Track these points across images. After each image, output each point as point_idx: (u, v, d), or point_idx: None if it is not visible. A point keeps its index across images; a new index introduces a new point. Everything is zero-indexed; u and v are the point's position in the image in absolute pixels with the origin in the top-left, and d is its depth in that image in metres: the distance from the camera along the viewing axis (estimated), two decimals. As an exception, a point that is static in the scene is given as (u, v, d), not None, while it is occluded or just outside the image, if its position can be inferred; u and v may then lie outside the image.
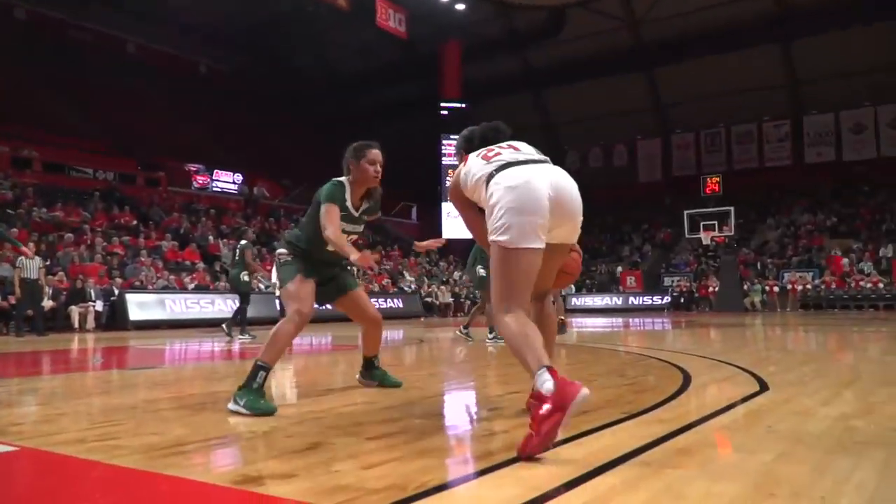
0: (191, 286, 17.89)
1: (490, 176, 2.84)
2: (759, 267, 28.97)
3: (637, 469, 2.30)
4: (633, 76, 34.53)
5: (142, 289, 16.93)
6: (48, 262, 15.53)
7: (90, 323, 15.44)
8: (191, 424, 3.21)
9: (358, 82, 36.08)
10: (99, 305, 15.82)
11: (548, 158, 2.96)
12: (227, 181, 31.09)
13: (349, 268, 4.10)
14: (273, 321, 16.99)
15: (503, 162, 2.87)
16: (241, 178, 31.01)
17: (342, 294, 4.11)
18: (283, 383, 5.03)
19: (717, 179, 27.92)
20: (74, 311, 15.26)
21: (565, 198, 2.79)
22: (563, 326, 10.89)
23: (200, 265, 19.44)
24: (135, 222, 21.01)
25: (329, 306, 4.45)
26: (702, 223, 26.28)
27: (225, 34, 32.56)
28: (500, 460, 2.41)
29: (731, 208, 26.04)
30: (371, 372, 4.48)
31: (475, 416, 3.45)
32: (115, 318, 15.94)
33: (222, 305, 17.26)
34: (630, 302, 28.96)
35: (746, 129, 34.88)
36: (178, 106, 31.38)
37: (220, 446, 2.79)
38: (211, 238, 22.03)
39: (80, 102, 28.21)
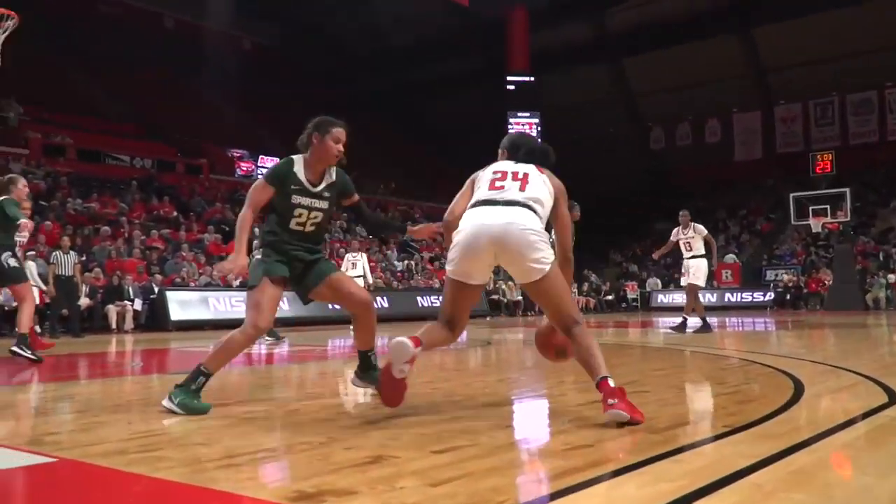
0: (235, 283, 18.31)
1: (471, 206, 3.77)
2: (881, 258, 27.87)
3: (746, 492, 2.22)
4: (727, 38, 33.62)
5: (183, 286, 17.41)
6: (84, 258, 16.12)
7: (129, 323, 15.97)
8: (239, 435, 3.26)
9: (412, 56, 36.19)
10: (137, 304, 16.34)
11: (515, 199, 3.61)
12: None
13: (322, 256, 4.22)
14: (324, 321, 17.27)
15: (475, 200, 3.74)
16: (287, 163, 31.58)
17: (320, 281, 4.08)
18: (338, 389, 5.08)
19: (830, 157, 26.91)
20: (112, 310, 15.81)
21: (506, 246, 3.51)
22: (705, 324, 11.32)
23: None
24: (175, 214, 21.62)
25: (333, 305, 4.41)
26: (811, 208, 25.38)
27: (268, 6, 33.16)
28: (582, 479, 2.36)
29: (847, 190, 25.06)
30: (368, 372, 4.25)
31: (552, 429, 3.40)
32: (154, 317, 16.44)
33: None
34: (726, 299, 28.29)
35: (864, 98, 33.54)
36: (219, 86, 32.09)
37: (272, 459, 2.82)
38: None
39: (114, 84, 29.18)
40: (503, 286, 24.83)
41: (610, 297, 29.34)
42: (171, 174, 24.95)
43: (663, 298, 29.32)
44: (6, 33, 7.18)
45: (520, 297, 24.93)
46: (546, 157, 3.88)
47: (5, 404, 4.66)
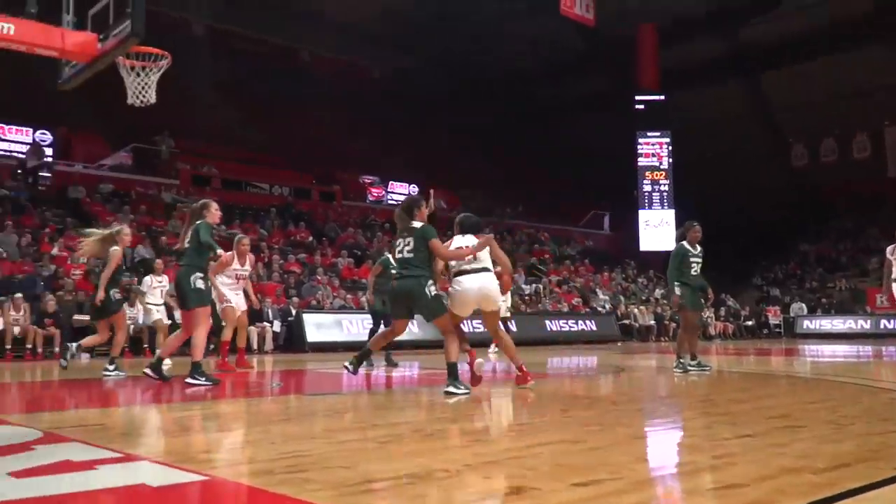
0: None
1: (458, 272, 6.53)
2: None
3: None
4: (875, 48, 31.67)
5: (318, 308, 18.00)
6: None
7: (268, 344, 16.65)
8: (379, 459, 3.30)
9: (538, 79, 36.12)
10: (276, 326, 17.03)
11: (478, 267, 6.54)
12: (402, 193, 32.42)
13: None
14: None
15: (459, 268, 6.53)
16: (416, 188, 32.19)
17: None
18: (471, 414, 5.08)
19: None
20: (252, 331, 16.55)
21: (483, 298, 6.53)
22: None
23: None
24: (310, 239, 22.45)
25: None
26: (976, 227, 23.40)
27: (397, 36, 34.08)
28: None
29: None
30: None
31: (698, 464, 3.25)
32: (291, 339, 17.07)
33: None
34: (881, 326, 26.40)
35: None
36: (351, 115, 33.22)
37: (413, 484, 2.83)
38: (388, 254, 22.99)
39: (256, 116, 30.75)
40: (634, 310, 24.22)
41: (749, 323, 28.00)
42: (306, 201, 25.98)
43: (810, 324, 27.72)
44: (160, 72, 7.68)
45: (652, 322, 24.23)
46: (479, 227, 6.87)
47: (161, 422, 4.95)
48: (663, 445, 3.87)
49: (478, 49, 34.73)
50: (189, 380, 7.24)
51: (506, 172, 36.37)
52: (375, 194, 31.34)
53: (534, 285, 24.70)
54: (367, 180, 31.27)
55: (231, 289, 9.95)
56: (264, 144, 29.75)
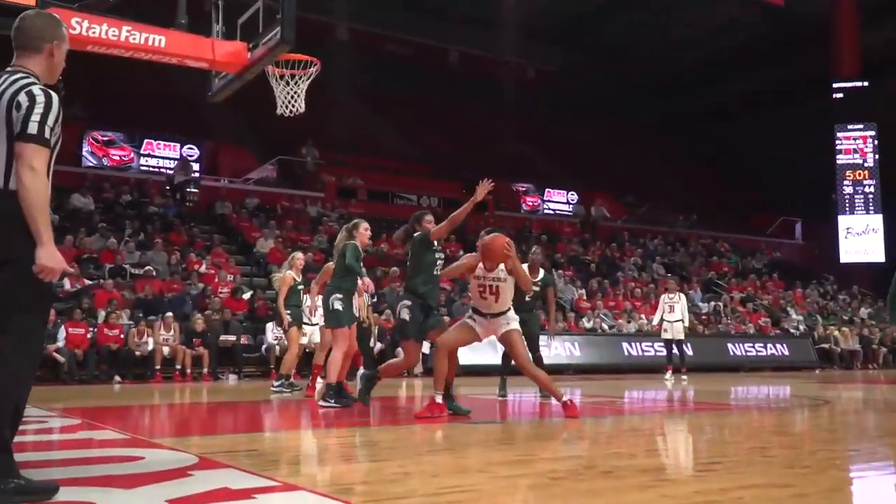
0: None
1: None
2: None
3: None
4: None
5: (470, 328, 18.13)
6: (374, 299, 17.42)
7: (418, 367, 16.90)
8: (553, 497, 3.24)
9: (712, 72, 34.87)
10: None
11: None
12: (560, 201, 32.25)
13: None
14: (613, 368, 17.08)
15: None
16: (575, 196, 31.94)
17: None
18: (654, 448, 4.90)
19: None
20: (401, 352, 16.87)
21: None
22: None
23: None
24: (461, 252, 22.71)
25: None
26: None
27: (552, 31, 34.02)
28: None
29: None
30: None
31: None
32: (442, 361, 17.25)
33: (557, 348, 17.75)
34: None
35: None
36: (503, 118, 33.45)
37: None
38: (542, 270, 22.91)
39: (402, 123, 31.57)
40: (835, 332, 22.79)
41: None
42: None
43: None
44: (309, 80, 7.99)
45: (857, 347, 22.71)
46: None
47: (313, 448, 5.11)
48: (891, 496, 3.56)
49: (643, 41, 34.07)
50: (322, 402, 7.61)
51: (677, 176, 35.40)
52: (531, 203, 31.33)
53: (712, 303, 23.80)
54: (521, 188, 31.32)
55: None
56: (411, 153, 30.46)
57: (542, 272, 9.34)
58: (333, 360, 7.72)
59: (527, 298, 8.53)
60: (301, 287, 10.33)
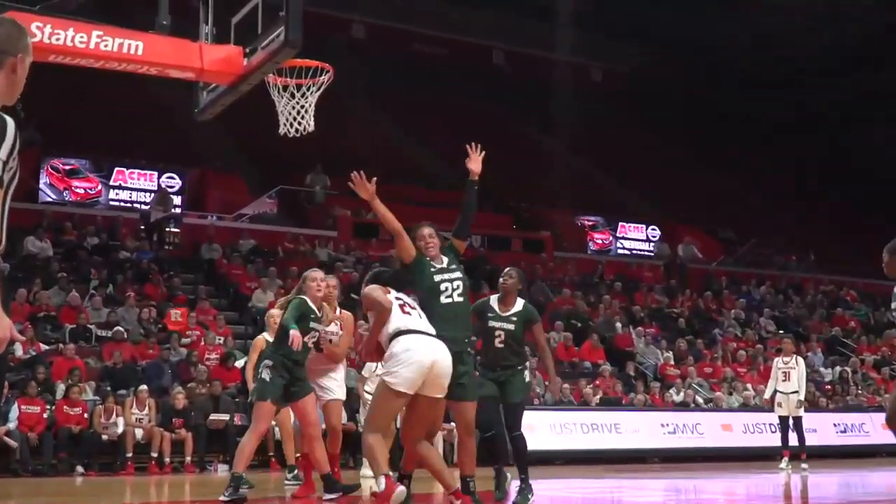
0: (595, 399, 18.58)
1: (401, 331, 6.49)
2: None
3: None
4: None
5: (527, 405, 17.99)
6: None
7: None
8: None
9: (828, 69, 34.72)
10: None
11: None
12: (637, 238, 32.16)
13: None
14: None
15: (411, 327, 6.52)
16: (657, 232, 31.81)
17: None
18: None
19: None
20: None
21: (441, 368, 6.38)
22: None
23: (606, 367, 20.13)
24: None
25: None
26: None
27: (620, 21, 34.12)
28: None
29: None
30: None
31: None
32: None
33: (644, 431, 17.54)
34: None
35: None
36: (562, 132, 33.55)
37: None
38: (619, 325, 22.79)
39: (433, 141, 31.76)
40: None
41: None
42: (505, 252, 26.30)
43: None
44: (320, 91, 8.10)
45: None
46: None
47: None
48: None
49: (740, 32, 34.11)
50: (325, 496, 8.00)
51: (788, 205, 35.13)
52: (600, 241, 31.29)
53: (838, 368, 23.45)
54: (587, 222, 31.29)
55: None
56: (447, 179, 30.61)
57: (519, 303, 8.32)
58: (241, 445, 8.03)
59: (496, 344, 8.00)
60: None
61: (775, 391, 14.67)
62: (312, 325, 8.06)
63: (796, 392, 14.38)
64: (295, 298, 8.15)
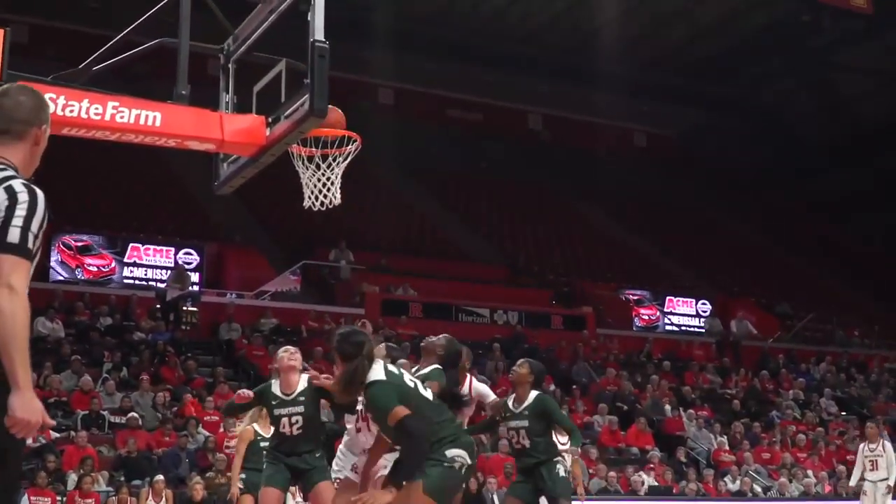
0: (642, 489, 18.38)
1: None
2: None
3: None
4: None
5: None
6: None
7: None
8: None
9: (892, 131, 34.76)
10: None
11: None
12: (687, 314, 31.96)
13: None
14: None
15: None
16: (708, 307, 31.64)
17: None
18: None
19: None
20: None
21: None
22: None
23: (654, 452, 19.94)
24: (552, 387, 22.57)
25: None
26: None
27: (665, 82, 34.39)
28: None
29: None
30: None
31: None
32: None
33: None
34: None
35: None
36: (603, 200, 33.69)
37: None
38: (668, 408, 22.61)
39: (468, 213, 32.00)
40: None
41: None
42: (544, 330, 26.27)
43: None
44: (347, 161, 8.20)
45: None
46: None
47: None
48: None
49: (796, 92, 34.28)
50: None
51: (850, 277, 34.89)
52: (646, 317, 31.09)
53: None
54: (632, 297, 31.20)
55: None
56: (481, 252, 30.73)
57: (532, 395, 8.19)
58: None
59: (514, 444, 8.01)
60: (265, 444, 10.15)
61: (861, 478, 14.53)
62: (277, 411, 8.11)
63: (885, 480, 14.22)
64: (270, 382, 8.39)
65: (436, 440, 5.56)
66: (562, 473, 8.14)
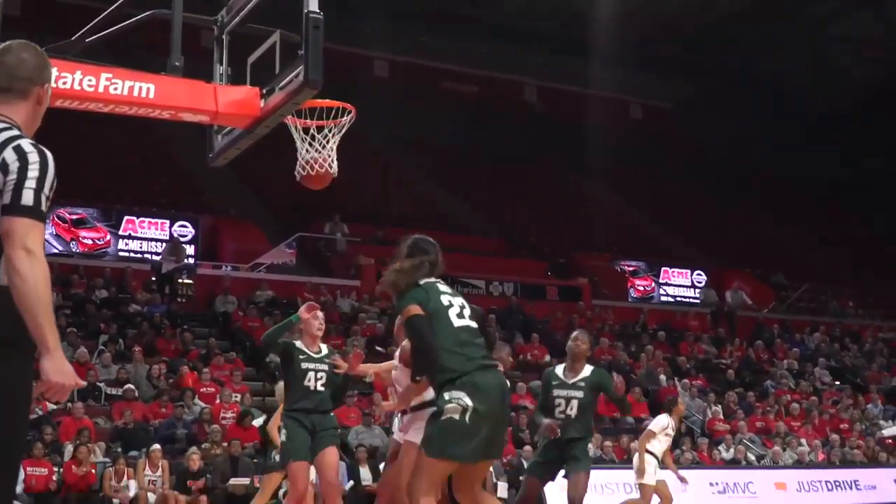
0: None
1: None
2: None
3: None
4: None
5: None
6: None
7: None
8: None
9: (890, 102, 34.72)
10: (502, 489, 17.09)
11: None
12: (682, 284, 32.06)
13: None
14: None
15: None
16: (703, 277, 31.72)
17: None
18: None
19: None
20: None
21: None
22: None
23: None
24: (547, 357, 22.66)
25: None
26: None
27: (662, 53, 34.32)
28: None
29: None
30: None
31: None
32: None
33: (692, 491, 17.41)
34: None
35: None
36: (599, 173, 33.68)
37: None
38: (663, 377, 22.71)
39: (464, 184, 31.99)
40: None
41: None
42: (539, 301, 26.34)
43: None
44: (342, 132, 8.21)
45: None
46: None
47: None
48: None
49: (792, 62, 34.20)
50: None
51: (845, 247, 34.96)
52: (641, 288, 31.19)
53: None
54: (628, 268, 31.26)
55: None
56: (477, 223, 30.75)
57: (588, 367, 8.25)
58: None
59: (557, 415, 7.98)
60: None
61: None
62: (305, 365, 8.14)
63: None
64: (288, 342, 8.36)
65: (442, 375, 5.22)
66: (591, 452, 8.28)
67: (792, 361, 25.49)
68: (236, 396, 17.58)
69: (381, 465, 12.89)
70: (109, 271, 22.35)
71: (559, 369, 8.16)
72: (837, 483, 18.74)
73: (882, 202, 36.79)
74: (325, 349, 8.29)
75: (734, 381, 23.38)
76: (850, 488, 18.66)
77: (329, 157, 8.14)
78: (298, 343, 8.24)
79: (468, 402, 5.03)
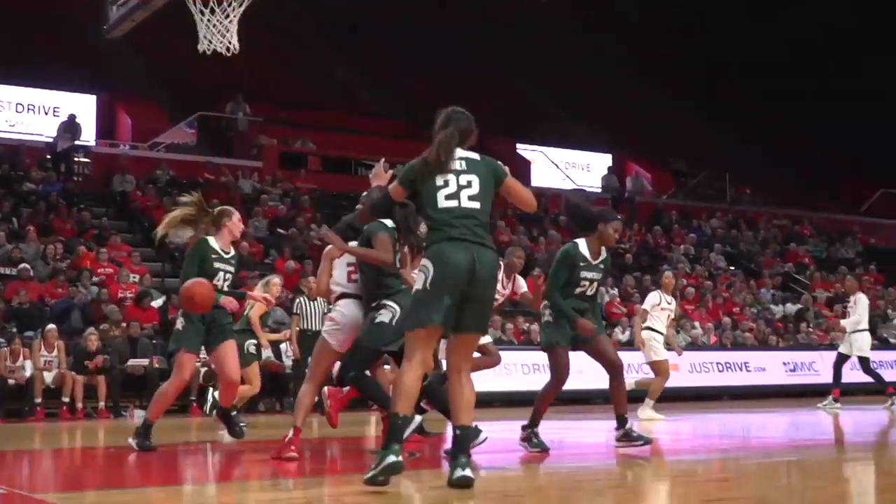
0: (537, 338, 18.71)
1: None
2: None
3: None
4: None
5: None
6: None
7: (392, 397, 16.93)
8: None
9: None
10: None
11: None
12: (583, 170, 32.29)
13: None
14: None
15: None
16: (608, 161, 31.93)
17: None
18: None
19: None
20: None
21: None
22: None
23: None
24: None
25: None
26: None
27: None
28: None
29: None
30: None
31: None
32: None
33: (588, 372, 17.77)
34: None
35: None
36: (503, 55, 33.42)
37: None
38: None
39: (367, 65, 31.55)
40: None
41: None
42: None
43: None
44: (243, 6, 8.00)
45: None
46: None
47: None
48: None
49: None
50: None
51: (742, 135, 35.46)
52: (543, 174, 31.32)
53: (789, 305, 23.95)
54: (529, 151, 31.31)
55: None
56: (381, 105, 30.47)
57: (604, 251, 8.27)
58: (160, 392, 8.20)
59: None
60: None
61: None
62: (217, 265, 7.96)
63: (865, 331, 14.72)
64: (201, 239, 8.09)
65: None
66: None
67: (688, 246, 25.95)
68: (134, 277, 17.40)
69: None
70: (2, 149, 21.75)
71: (583, 248, 8.15)
72: (728, 365, 19.27)
73: (784, 93, 37.32)
74: (232, 250, 8.16)
75: (632, 265, 23.77)
76: (741, 369, 19.18)
77: (228, 31, 7.94)
78: (212, 241, 8.01)
79: (430, 269, 5.19)
